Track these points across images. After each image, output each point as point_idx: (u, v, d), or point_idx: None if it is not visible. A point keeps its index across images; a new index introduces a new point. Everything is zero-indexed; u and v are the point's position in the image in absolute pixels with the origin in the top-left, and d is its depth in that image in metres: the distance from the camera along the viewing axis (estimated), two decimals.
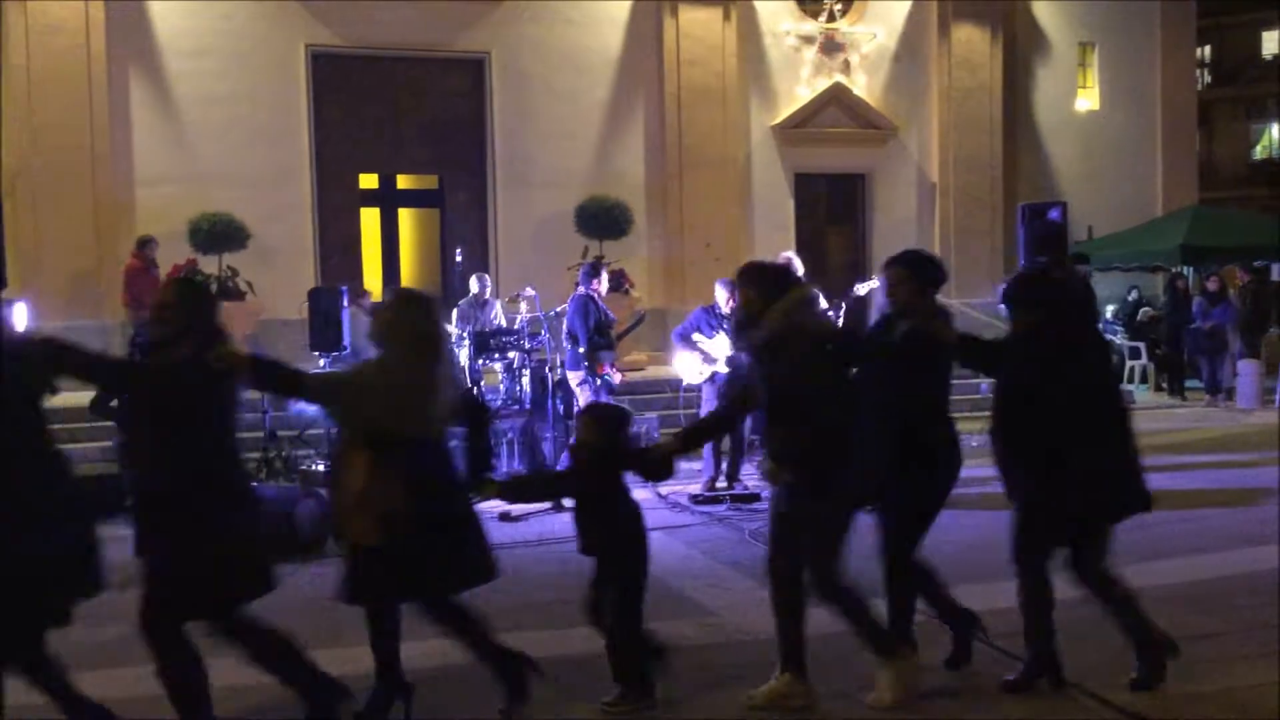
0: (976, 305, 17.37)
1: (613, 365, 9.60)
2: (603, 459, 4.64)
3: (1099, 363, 4.75)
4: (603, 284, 9.81)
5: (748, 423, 9.23)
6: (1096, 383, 4.63)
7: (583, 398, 9.23)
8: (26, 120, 14.07)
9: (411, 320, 4.33)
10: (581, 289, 9.63)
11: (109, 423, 9.09)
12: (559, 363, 9.87)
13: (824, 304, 5.06)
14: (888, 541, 4.75)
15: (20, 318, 8.54)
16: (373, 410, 4.19)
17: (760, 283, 4.66)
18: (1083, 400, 4.51)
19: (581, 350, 9.28)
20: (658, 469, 4.70)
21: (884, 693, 4.52)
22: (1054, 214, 11.35)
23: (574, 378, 9.44)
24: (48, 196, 14.03)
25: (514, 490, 5.13)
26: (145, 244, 13.41)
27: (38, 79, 14.06)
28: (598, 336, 9.37)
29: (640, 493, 9.07)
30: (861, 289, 10.66)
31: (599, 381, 9.34)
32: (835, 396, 4.51)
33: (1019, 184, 18.20)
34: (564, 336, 9.75)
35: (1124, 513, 4.65)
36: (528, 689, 4.45)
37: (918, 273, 4.81)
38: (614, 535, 4.62)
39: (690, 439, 4.80)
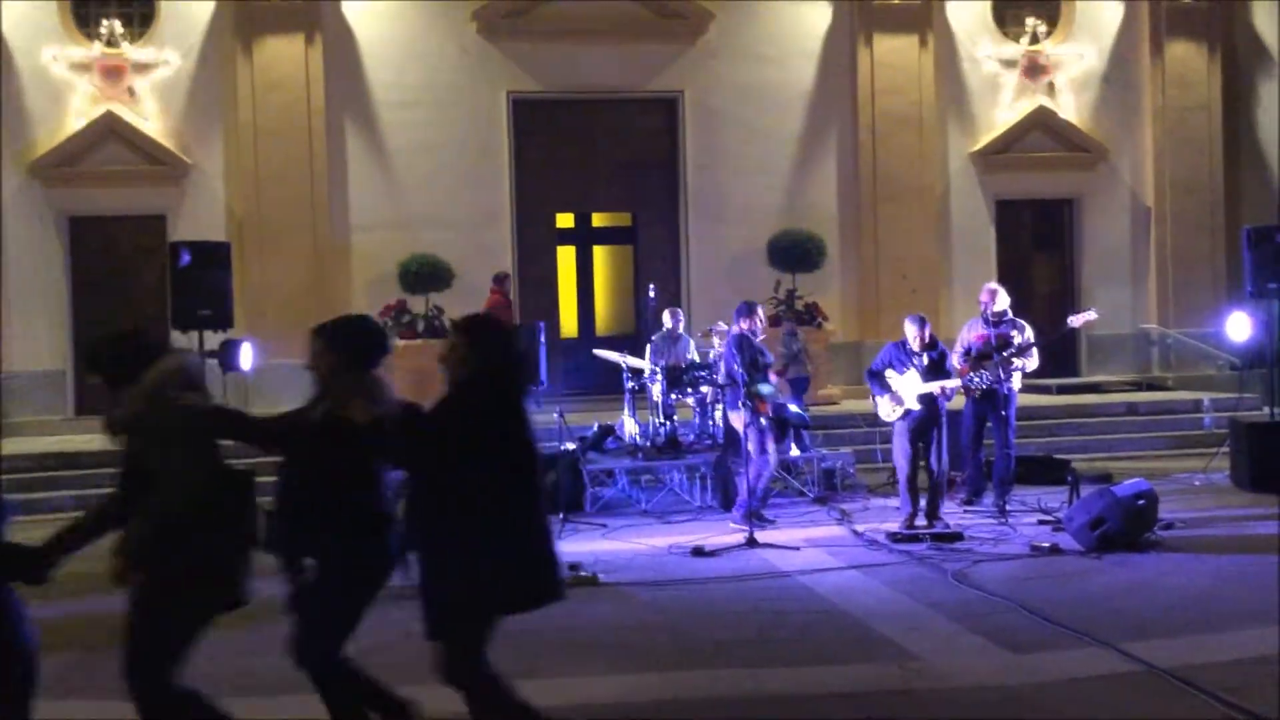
0: (1197, 335, 16.41)
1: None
2: None
3: (517, 438, 4.09)
4: (757, 323, 9.61)
5: (943, 459, 8.96)
6: (514, 463, 4.05)
7: (752, 441, 9.05)
8: (253, 170, 15.15)
9: None
10: (735, 328, 9.54)
11: None
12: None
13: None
14: (300, 642, 4.17)
15: (246, 357, 9.10)
16: None
17: (117, 356, 4.11)
18: (497, 482, 3.98)
19: (742, 388, 9.06)
20: (26, 568, 3.79)
21: None
22: None
23: (736, 419, 9.21)
24: (271, 242, 15.03)
25: None
26: (503, 279, 13.98)
27: (263, 132, 15.10)
28: (756, 375, 9.21)
29: (835, 529, 9.13)
30: (1076, 321, 10.21)
31: (763, 421, 9.19)
32: (192, 485, 3.95)
33: (1242, 206, 17.08)
34: (722, 379, 9.69)
35: (530, 604, 4.07)
36: None
37: (336, 344, 4.23)
38: None
39: (68, 539, 3.96)
